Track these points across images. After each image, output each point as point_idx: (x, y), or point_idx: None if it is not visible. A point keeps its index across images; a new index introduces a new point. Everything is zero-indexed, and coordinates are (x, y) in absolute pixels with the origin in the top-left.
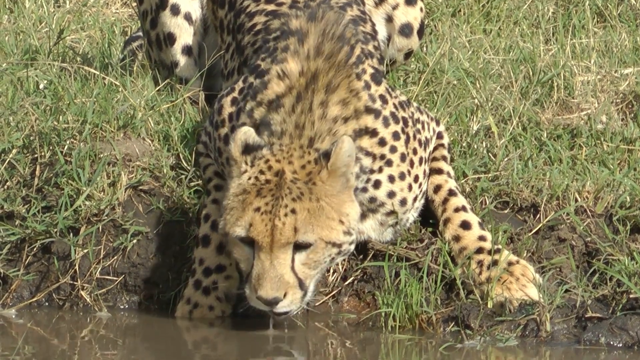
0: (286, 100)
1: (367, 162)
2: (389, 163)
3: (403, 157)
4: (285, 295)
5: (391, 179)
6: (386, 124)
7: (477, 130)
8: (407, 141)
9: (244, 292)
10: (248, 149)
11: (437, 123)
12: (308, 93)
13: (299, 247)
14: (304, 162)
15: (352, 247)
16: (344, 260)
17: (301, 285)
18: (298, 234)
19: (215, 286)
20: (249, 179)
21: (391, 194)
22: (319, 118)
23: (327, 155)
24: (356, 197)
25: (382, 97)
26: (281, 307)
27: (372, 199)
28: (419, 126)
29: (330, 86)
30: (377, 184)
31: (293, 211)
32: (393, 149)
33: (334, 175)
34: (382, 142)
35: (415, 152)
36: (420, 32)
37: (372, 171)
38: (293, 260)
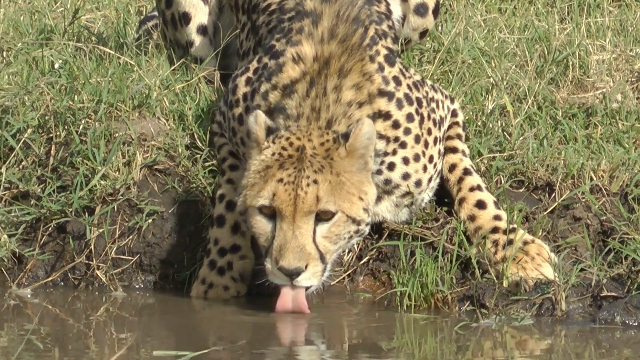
0: (299, 86)
1: (380, 145)
2: (403, 145)
3: (417, 139)
4: (306, 267)
5: (405, 161)
6: (400, 106)
7: (492, 109)
8: (421, 122)
9: (263, 267)
10: (269, 131)
11: (452, 101)
12: (321, 78)
13: (320, 219)
14: (323, 140)
15: (368, 228)
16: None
17: (322, 258)
18: (320, 202)
19: (230, 266)
20: (273, 154)
21: (406, 176)
22: (334, 102)
23: (346, 136)
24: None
25: (395, 78)
26: (302, 280)
27: (387, 181)
28: (434, 105)
29: (342, 71)
30: (391, 167)
31: (315, 181)
32: (407, 131)
33: (352, 155)
34: (395, 125)
35: (429, 132)
36: (436, 11)
37: (386, 154)
38: (315, 232)
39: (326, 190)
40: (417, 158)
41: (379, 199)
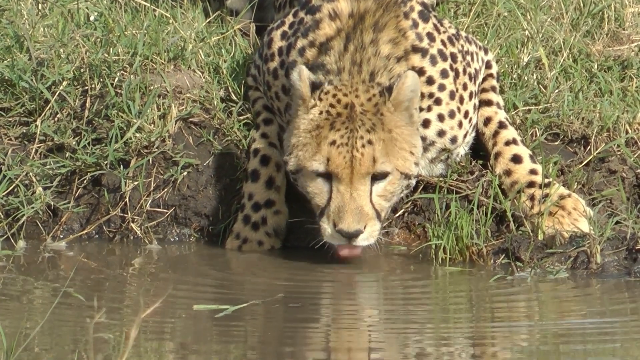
0: (335, 43)
1: None
2: (438, 102)
3: (452, 95)
4: (364, 227)
5: (440, 117)
6: (433, 62)
7: (528, 62)
8: (456, 77)
9: (318, 227)
10: (313, 86)
11: (486, 52)
12: (357, 32)
13: (376, 178)
14: (370, 95)
15: (415, 181)
16: None
17: (378, 217)
18: (377, 163)
19: (265, 221)
20: (320, 113)
21: (441, 133)
22: (373, 55)
23: (390, 89)
24: None
25: (429, 35)
26: (361, 241)
27: (422, 138)
28: (469, 58)
29: (377, 25)
30: (426, 124)
31: (370, 142)
32: (441, 87)
33: (398, 109)
34: (430, 81)
35: (465, 87)
36: None
37: (420, 110)
38: (371, 192)
39: (381, 151)
40: (452, 114)
41: None
